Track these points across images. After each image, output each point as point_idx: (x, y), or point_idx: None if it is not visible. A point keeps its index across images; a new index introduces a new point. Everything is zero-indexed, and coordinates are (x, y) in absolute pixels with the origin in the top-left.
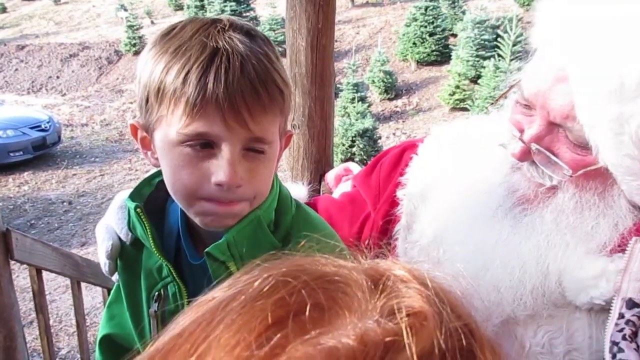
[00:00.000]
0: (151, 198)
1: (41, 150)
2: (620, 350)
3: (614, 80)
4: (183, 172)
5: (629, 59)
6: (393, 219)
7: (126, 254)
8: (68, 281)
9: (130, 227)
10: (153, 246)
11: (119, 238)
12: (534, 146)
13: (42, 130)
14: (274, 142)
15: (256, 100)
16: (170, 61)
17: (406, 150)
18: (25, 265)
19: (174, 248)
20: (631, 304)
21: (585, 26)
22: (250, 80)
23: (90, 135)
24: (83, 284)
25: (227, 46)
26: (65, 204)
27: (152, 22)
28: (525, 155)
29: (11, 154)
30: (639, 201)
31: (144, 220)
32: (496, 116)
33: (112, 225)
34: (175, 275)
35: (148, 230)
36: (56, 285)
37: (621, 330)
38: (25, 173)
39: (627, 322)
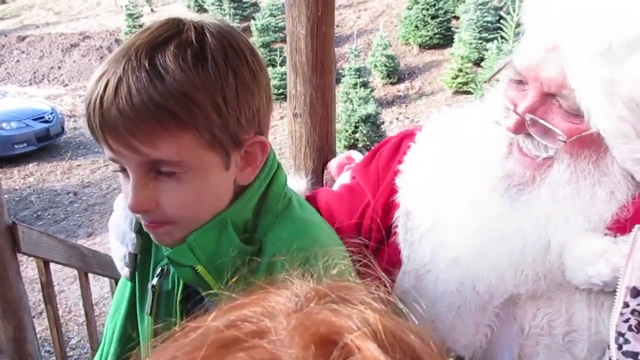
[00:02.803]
0: None
1: (45, 142)
2: (627, 341)
3: (603, 43)
4: (122, 191)
5: (615, 20)
6: (393, 206)
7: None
8: (76, 272)
9: None
10: None
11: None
12: (528, 117)
13: (46, 121)
14: (184, 160)
15: (137, 125)
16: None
17: (405, 138)
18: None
19: None
20: (636, 292)
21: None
22: (125, 105)
23: None
24: (91, 275)
25: (117, 71)
26: (70, 195)
27: (152, 10)
28: (520, 127)
29: (15, 146)
30: (630, 167)
31: None
32: (490, 98)
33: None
34: None
35: None
36: (64, 275)
37: (627, 320)
38: (30, 165)
39: (633, 311)
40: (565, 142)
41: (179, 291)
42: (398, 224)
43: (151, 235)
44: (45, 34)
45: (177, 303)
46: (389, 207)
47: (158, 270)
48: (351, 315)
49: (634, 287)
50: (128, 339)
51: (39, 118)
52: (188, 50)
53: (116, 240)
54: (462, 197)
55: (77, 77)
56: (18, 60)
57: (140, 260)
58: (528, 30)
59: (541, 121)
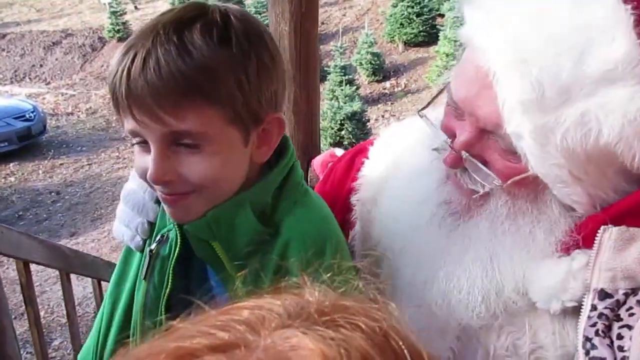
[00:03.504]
0: None
1: (26, 141)
2: (594, 346)
3: (536, 90)
4: (136, 166)
5: (549, 66)
6: (349, 225)
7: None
8: (58, 272)
9: None
10: None
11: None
12: (464, 154)
13: (27, 120)
14: (206, 133)
15: (164, 96)
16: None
17: (358, 154)
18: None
19: None
20: (603, 294)
21: (506, 31)
22: (153, 76)
23: (76, 124)
24: (74, 275)
25: (146, 43)
26: (53, 194)
27: (136, 8)
28: (457, 162)
29: None
30: (572, 204)
31: None
32: (434, 115)
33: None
34: (175, 224)
35: None
36: (46, 276)
37: (594, 324)
38: (11, 164)
39: (600, 315)
40: (500, 186)
41: (174, 258)
42: (354, 242)
43: (166, 210)
44: (27, 32)
45: (171, 269)
46: (346, 227)
47: (158, 237)
48: (332, 347)
49: (602, 289)
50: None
51: (20, 117)
52: (214, 29)
53: (131, 210)
54: (404, 221)
55: (59, 75)
56: None
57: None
58: (465, 57)
59: (477, 163)
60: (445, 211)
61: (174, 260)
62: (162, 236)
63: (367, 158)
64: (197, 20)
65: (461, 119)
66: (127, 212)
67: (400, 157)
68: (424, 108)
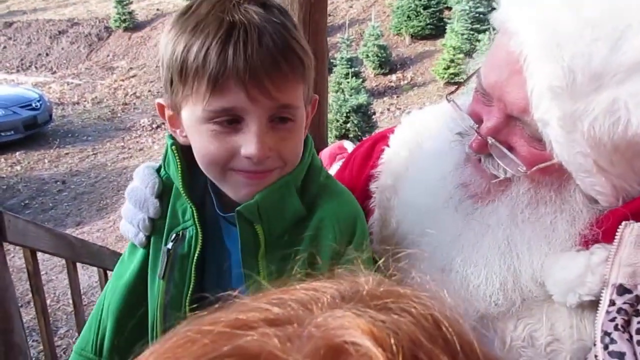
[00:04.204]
0: (189, 147)
1: (32, 130)
2: (613, 341)
3: (567, 76)
4: (212, 147)
5: (582, 52)
6: (368, 212)
7: (163, 194)
8: (64, 261)
9: (165, 164)
10: (181, 185)
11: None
12: (490, 139)
13: (33, 109)
14: (300, 107)
15: (277, 70)
16: (189, 40)
17: (378, 142)
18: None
19: (199, 198)
20: (622, 290)
21: (542, 15)
22: (269, 51)
23: (82, 114)
24: (79, 264)
25: (243, 19)
26: (58, 183)
27: None
28: (482, 148)
29: (2, 134)
30: (595, 195)
31: (177, 158)
32: (459, 101)
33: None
34: (196, 220)
35: (179, 170)
36: (52, 265)
37: (613, 319)
38: (17, 153)
39: (619, 310)
40: (525, 172)
41: (195, 256)
42: (373, 230)
43: (240, 194)
44: (33, 20)
45: (193, 267)
46: (365, 214)
47: (173, 236)
48: (384, 331)
49: (620, 285)
50: (132, 306)
51: (26, 105)
52: (283, 11)
53: (134, 206)
54: (423, 205)
55: (65, 64)
56: (5, 47)
57: (157, 227)
58: (497, 42)
59: (503, 149)
60: (463, 193)
61: (195, 258)
62: (178, 235)
63: (388, 146)
64: (265, 2)
65: (489, 104)
66: (130, 209)
67: (420, 143)
68: (452, 92)
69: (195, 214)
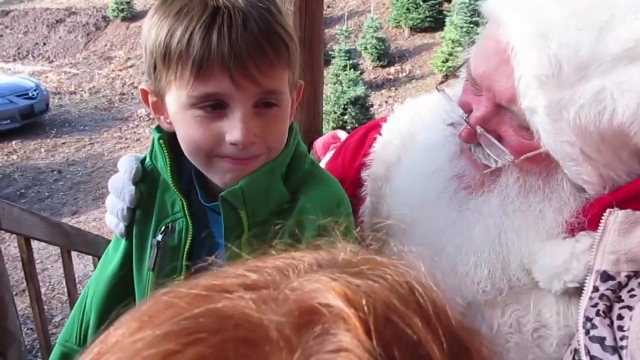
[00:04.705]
0: (173, 137)
1: (29, 119)
2: (594, 326)
3: (553, 65)
4: (196, 133)
5: (568, 42)
6: (359, 200)
7: (145, 183)
8: (59, 250)
9: (152, 157)
10: (170, 178)
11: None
12: (479, 129)
13: (30, 98)
14: (285, 93)
15: (262, 55)
16: (173, 24)
17: (370, 130)
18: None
19: (185, 189)
20: (605, 276)
21: (529, 5)
22: (254, 36)
23: (79, 104)
24: (74, 253)
25: (227, 3)
26: (55, 172)
27: None
28: (471, 137)
29: None
30: (583, 184)
31: (165, 151)
32: (451, 92)
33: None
34: (187, 212)
35: (168, 163)
36: (48, 253)
37: (595, 305)
38: (14, 142)
39: (602, 296)
40: (513, 161)
41: (186, 247)
42: (364, 219)
43: (225, 179)
44: (30, 9)
45: (183, 259)
46: (356, 202)
47: (162, 228)
48: (358, 294)
49: (604, 272)
50: (116, 298)
51: (23, 94)
52: (272, 0)
53: (114, 195)
54: (416, 195)
55: (62, 53)
56: (1, 36)
57: (141, 217)
58: (486, 32)
59: (491, 138)
60: (457, 185)
61: (186, 249)
62: (167, 227)
63: (380, 134)
64: None
65: (479, 94)
66: (112, 199)
67: (413, 133)
68: (442, 82)
69: (185, 205)
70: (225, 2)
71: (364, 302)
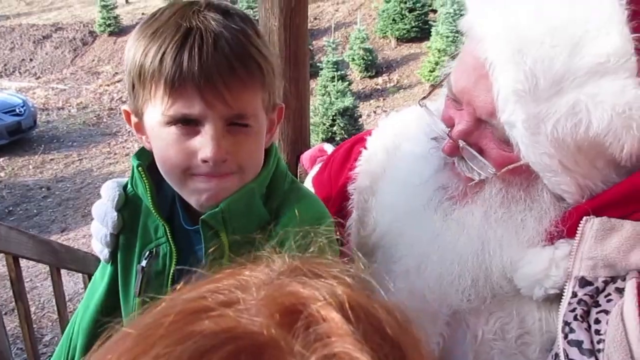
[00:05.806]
0: (154, 162)
1: (16, 135)
2: (572, 330)
3: (529, 80)
4: (171, 151)
5: (543, 57)
6: (346, 213)
7: (128, 209)
8: (48, 268)
9: (133, 183)
10: (151, 204)
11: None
12: (461, 142)
13: (17, 114)
14: (257, 115)
15: (232, 75)
16: (147, 45)
17: (356, 144)
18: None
19: (167, 213)
20: (584, 282)
21: (505, 21)
22: (225, 56)
23: (67, 119)
24: (64, 271)
25: (200, 25)
26: (43, 189)
27: (127, 1)
28: (454, 151)
29: None
30: (562, 193)
31: (144, 178)
32: (434, 107)
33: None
34: (169, 237)
35: (148, 189)
36: (37, 271)
37: (573, 310)
38: (1, 159)
39: (580, 301)
40: (495, 174)
41: (170, 272)
42: (350, 232)
43: (201, 199)
44: (16, 25)
45: (168, 283)
46: (342, 215)
47: (146, 253)
48: (319, 288)
49: (582, 277)
50: (102, 325)
51: (10, 111)
52: (246, 19)
53: (97, 221)
54: (402, 207)
55: (49, 69)
56: None
57: (125, 242)
58: (465, 47)
59: (473, 152)
60: (442, 196)
61: (171, 274)
62: (151, 252)
63: (365, 148)
64: (230, 10)
65: (460, 109)
66: (96, 225)
67: (398, 146)
68: (424, 98)
69: (167, 231)
70: (198, 23)
71: (325, 294)
